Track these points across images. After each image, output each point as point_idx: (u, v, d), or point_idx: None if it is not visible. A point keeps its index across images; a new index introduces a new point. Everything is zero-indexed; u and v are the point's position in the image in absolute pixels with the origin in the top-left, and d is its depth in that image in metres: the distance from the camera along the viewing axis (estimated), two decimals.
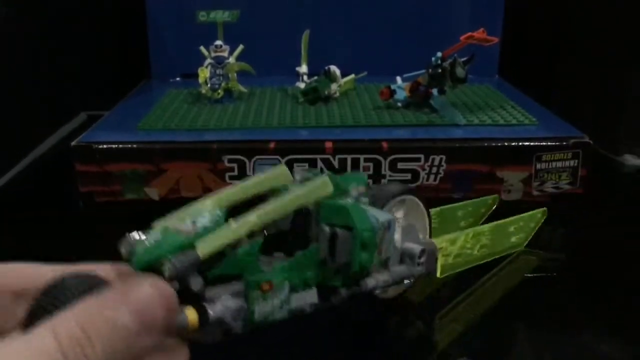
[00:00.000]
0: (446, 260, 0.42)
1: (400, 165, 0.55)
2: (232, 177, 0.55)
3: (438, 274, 0.41)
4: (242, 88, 0.68)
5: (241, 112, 0.64)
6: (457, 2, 0.80)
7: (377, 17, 0.80)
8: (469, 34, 0.58)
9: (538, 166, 0.55)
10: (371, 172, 0.55)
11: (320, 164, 0.55)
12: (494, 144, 0.55)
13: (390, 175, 0.55)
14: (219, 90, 0.66)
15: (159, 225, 0.28)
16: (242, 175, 0.55)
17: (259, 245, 0.29)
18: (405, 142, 0.56)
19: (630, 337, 0.40)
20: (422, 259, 0.37)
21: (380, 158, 0.55)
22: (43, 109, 0.75)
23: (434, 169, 0.55)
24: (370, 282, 0.34)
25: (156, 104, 0.67)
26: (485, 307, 0.43)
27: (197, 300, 0.27)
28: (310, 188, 0.32)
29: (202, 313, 0.26)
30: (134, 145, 0.55)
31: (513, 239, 0.48)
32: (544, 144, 0.55)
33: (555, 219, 0.50)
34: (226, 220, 0.28)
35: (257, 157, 0.55)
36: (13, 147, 0.69)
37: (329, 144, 0.55)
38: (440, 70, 0.60)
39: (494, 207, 0.52)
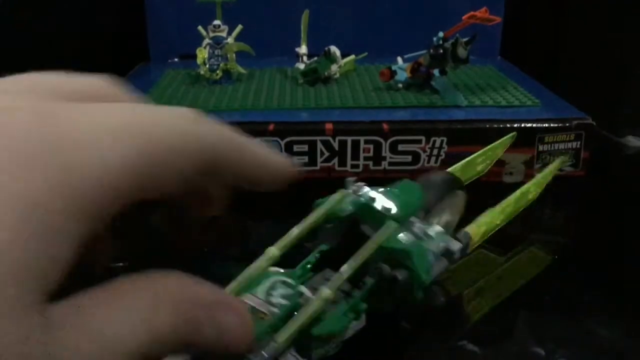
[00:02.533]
0: (474, 240, 0.41)
1: (400, 147, 0.55)
2: None
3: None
4: (241, 69, 0.67)
5: (240, 93, 0.63)
6: None
7: None
8: (471, 13, 0.57)
9: (540, 148, 0.55)
10: (371, 154, 0.55)
11: (320, 145, 0.54)
12: (495, 126, 0.55)
13: (390, 157, 0.55)
14: (218, 71, 0.66)
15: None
16: None
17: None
18: (406, 123, 0.55)
19: (632, 321, 0.39)
20: (458, 254, 0.37)
21: (381, 140, 0.54)
22: None
23: (435, 151, 0.55)
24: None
25: (154, 86, 0.66)
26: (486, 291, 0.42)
27: None
28: (376, 240, 0.32)
29: None
30: None
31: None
32: (547, 125, 0.55)
33: (557, 201, 0.50)
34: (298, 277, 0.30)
35: (257, 138, 0.54)
36: None
37: (329, 126, 0.54)
38: (441, 51, 0.59)
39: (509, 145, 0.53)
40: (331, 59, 0.66)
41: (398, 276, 0.32)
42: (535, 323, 0.39)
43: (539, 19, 0.84)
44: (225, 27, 0.65)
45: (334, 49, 0.66)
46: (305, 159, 0.55)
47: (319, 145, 0.55)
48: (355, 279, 0.32)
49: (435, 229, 0.36)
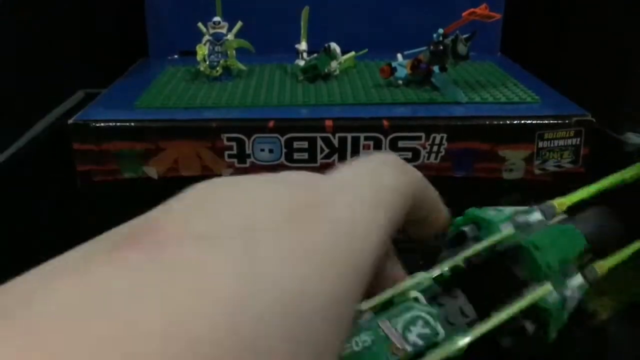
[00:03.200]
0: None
1: (400, 144, 0.55)
2: (230, 156, 0.55)
3: None
4: (241, 66, 0.67)
5: (240, 90, 0.63)
6: None
7: None
8: (471, 10, 0.57)
9: (540, 144, 0.55)
10: (371, 150, 0.55)
11: (320, 142, 0.54)
12: (495, 122, 0.55)
13: None
14: (218, 68, 0.66)
15: (370, 321, 0.27)
16: (241, 154, 0.55)
17: None
18: (406, 120, 0.55)
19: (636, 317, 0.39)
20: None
21: (381, 136, 0.54)
22: (40, 87, 0.74)
23: (435, 148, 0.55)
24: None
25: (154, 82, 0.66)
26: None
27: None
28: (531, 298, 0.29)
29: None
30: (132, 124, 0.55)
31: None
32: (546, 122, 0.55)
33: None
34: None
35: (256, 135, 0.54)
36: (9, 126, 0.68)
37: (328, 123, 0.54)
38: (441, 47, 0.59)
39: None
40: (331, 55, 0.66)
41: (527, 327, 0.29)
42: None
43: (539, 15, 0.83)
44: (225, 24, 0.65)
45: (334, 46, 0.66)
46: (305, 155, 0.55)
47: (319, 142, 0.55)
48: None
49: (578, 281, 0.31)
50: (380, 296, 0.27)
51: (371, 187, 0.22)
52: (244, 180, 0.20)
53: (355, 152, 0.55)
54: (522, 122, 0.55)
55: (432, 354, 0.26)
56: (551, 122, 0.55)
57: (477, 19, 0.58)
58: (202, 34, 0.65)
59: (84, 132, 0.54)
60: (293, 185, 0.20)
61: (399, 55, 0.65)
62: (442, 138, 0.55)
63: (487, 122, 0.55)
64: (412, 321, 0.27)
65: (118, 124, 0.55)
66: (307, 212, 0.19)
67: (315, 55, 0.67)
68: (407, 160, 0.55)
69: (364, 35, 0.76)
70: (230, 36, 0.65)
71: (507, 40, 0.79)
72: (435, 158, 0.55)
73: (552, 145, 0.55)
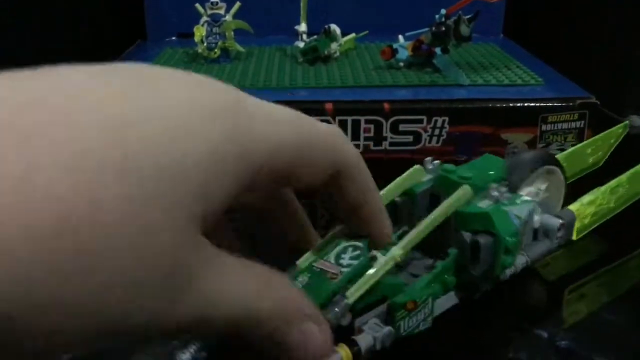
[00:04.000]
0: (582, 223, 0.39)
1: (402, 127, 0.54)
2: None
3: (574, 237, 0.39)
4: (239, 47, 0.66)
5: (239, 72, 0.62)
6: None
7: None
8: None
9: (543, 127, 0.54)
10: (372, 134, 0.54)
11: None
12: (498, 105, 0.54)
13: (391, 137, 0.54)
14: (216, 50, 0.65)
15: (305, 264, 0.28)
16: None
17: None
18: (407, 102, 0.54)
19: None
20: (561, 233, 0.36)
21: (382, 119, 0.54)
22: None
23: (437, 131, 0.54)
24: (509, 270, 0.34)
25: (152, 64, 0.65)
26: None
27: (346, 335, 0.27)
28: (450, 202, 0.32)
29: (353, 347, 0.27)
30: None
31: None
32: (550, 104, 0.54)
33: None
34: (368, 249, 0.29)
35: None
36: None
37: (329, 105, 0.54)
38: (443, 29, 0.58)
39: (623, 136, 0.51)
40: (331, 37, 0.65)
41: (480, 240, 0.31)
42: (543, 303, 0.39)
43: None
44: (223, 5, 0.64)
45: (334, 27, 0.65)
46: None
47: None
48: (438, 252, 0.32)
49: (521, 197, 0.35)
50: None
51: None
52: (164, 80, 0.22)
53: (356, 135, 0.54)
54: (525, 104, 0.54)
55: (372, 270, 0.28)
56: (555, 104, 0.54)
57: (479, 0, 0.57)
58: (199, 15, 0.64)
59: None
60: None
61: (400, 37, 0.64)
62: (443, 121, 0.54)
63: (490, 105, 0.54)
64: (343, 250, 0.29)
65: None
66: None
67: (315, 36, 0.66)
68: (409, 143, 0.54)
69: (365, 16, 0.75)
70: (228, 17, 0.64)
71: (510, 22, 0.78)
72: (437, 141, 0.54)
73: (555, 128, 0.54)
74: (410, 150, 0.54)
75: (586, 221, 0.40)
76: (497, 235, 0.32)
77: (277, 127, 0.23)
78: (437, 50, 0.61)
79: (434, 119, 0.54)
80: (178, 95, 0.21)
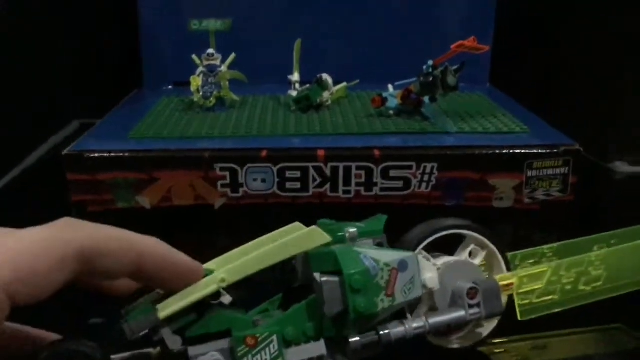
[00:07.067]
0: (529, 301, 0.36)
1: (392, 173, 0.55)
2: (224, 186, 0.55)
3: (519, 317, 0.36)
4: (234, 96, 0.68)
5: (233, 120, 0.64)
6: (448, 11, 0.80)
7: (368, 25, 0.80)
8: (460, 42, 0.58)
9: (529, 174, 0.56)
10: (363, 179, 0.55)
11: (312, 172, 0.55)
12: (485, 152, 0.55)
13: (382, 183, 0.55)
14: (211, 99, 0.66)
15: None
16: (234, 183, 0.55)
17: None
18: (397, 149, 0.56)
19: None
20: (477, 300, 0.33)
21: (372, 166, 0.55)
22: (35, 117, 0.74)
23: (426, 177, 0.55)
24: (396, 331, 0.31)
25: (148, 113, 0.67)
26: None
27: None
28: (291, 239, 0.31)
29: None
30: (126, 154, 0.55)
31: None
32: (535, 151, 0.55)
33: (547, 226, 0.50)
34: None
35: (249, 165, 0.55)
36: (3, 155, 0.68)
37: (321, 152, 0.55)
38: (431, 79, 0.60)
39: None
40: (323, 86, 0.67)
41: (321, 279, 0.30)
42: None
43: (527, 47, 0.85)
44: (219, 56, 0.66)
45: (325, 77, 0.67)
46: (298, 185, 0.55)
47: (311, 172, 0.55)
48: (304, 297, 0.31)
49: (398, 252, 0.32)
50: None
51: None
52: None
53: (348, 181, 0.55)
54: (512, 151, 0.56)
55: (182, 291, 0.29)
56: (540, 151, 0.56)
57: (466, 51, 0.59)
58: (196, 66, 0.66)
59: (78, 163, 0.55)
60: None
61: (390, 86, 0.66)
62: (432, 167, 0.55)
63: (477, 152, 0.56)
64: None
65: (112, 154, 0.55)
66: None
67: (307, 85, 0.68)
68: (399, 189, 0.56)
69: (356, 66, 0.77)
70: (223, 68, 0.66)
71: (496, 72, 0.80)
72: (427, 187, 0.56)
73: (541, 174, 0.56)
74: (401, 196, 0.56)
75: (534, 299, 0.36)
76: (342, 274, 0.30)
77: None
78: (426, 99, 0.63)
79: (424, 165, 0.55)
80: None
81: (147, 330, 0.28)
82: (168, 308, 0.28)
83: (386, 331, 0.31)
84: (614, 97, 0.73)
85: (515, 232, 0.48)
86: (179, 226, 0.56)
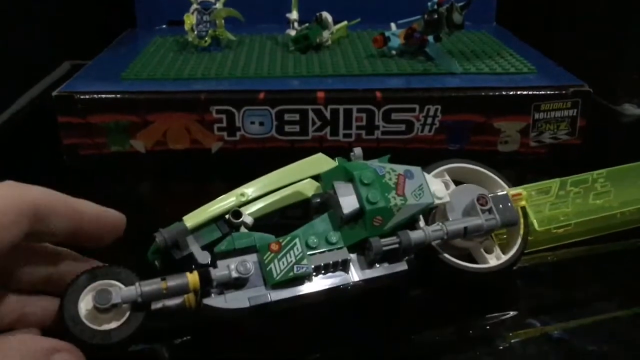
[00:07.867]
0: (541, 211, 0.39)
1: (394, 116, 0.54)
2: (220, 129, 0.53)
3: (536, 226, 0.38)
4: (230, 36, 0.66)
5: (229, 61, 0.62)
6: None
7: None
8: None
9: (536, 116, 0.54)
10: (364, 123, 0.53)
11: (311, 114, 0.53)
12: (490, 93, 0.54)
13: (384, 127, 0.54)
14: (206, 38, 0.64)
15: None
16: (230, 126, 0.53)
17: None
18: (399, 91, 0.54)
19: (630, 294, 0.39)
20: (488, 206, 0.35)
21: (374, 108, 0.53)
22: (25, 58, 0.72)
23: (429, 120, 0.54)
24: (416, 234, 0.33)
25: (141, 53, 0.65)
26: None
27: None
28: (304, 162, 0.36)
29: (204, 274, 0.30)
30: (118, 96, 0.53)
31: None
32: (543, 92, 0.54)
33: (554, 170, 0.49)
34: None
35: (247, 107, 0.53)
36: None
37: (320, 94, 0.53)
38: (436, 16, 0.58)
39: None
40: (323, 25, 0.65)
41: (335, 183, 0.33)
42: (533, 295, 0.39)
43: None
44: None
45: (325, 15, 0.65)
46: (297, 128, 0.54)
47: (311, 114, 0.53)
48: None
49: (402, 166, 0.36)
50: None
51: None
52: None
53: (348, 124, 0.54)
54: (518, 93, 0.54)
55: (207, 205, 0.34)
56: (547, 92, 0.54)
57: None
58: (190, 3, 0.64)
59: (69, 105, 0.53)
60: None
61: (393, 25, 0.63)
62: (436, 110, 0.53)
63: (482, 94, 0.54)
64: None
65: (104, 95, 0.53)
66: None
67: (306, 24, 0.66)
68: (401, 132, 0.54)
69: (357, 4, 0.74)
70: (219, 5, 0.64)
71: (504, 9, 0.77)
72: (430, 130, 0.54)
73: (548, 116, 0.54)
74: (403, 140, 0.54)
75: (548, 212, 0.38)
76: (353, 177, 0.33)
77: None
78: (430, 38, 0.60)
79: (427, 107, 0.53)
80: None
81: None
82: (194, 218, 0.32)
83: (406, 233, 0.33)
84: (623, 38, 0.70)
85: (520, 177, 0.47)
86: (174, 171, 0.55)
